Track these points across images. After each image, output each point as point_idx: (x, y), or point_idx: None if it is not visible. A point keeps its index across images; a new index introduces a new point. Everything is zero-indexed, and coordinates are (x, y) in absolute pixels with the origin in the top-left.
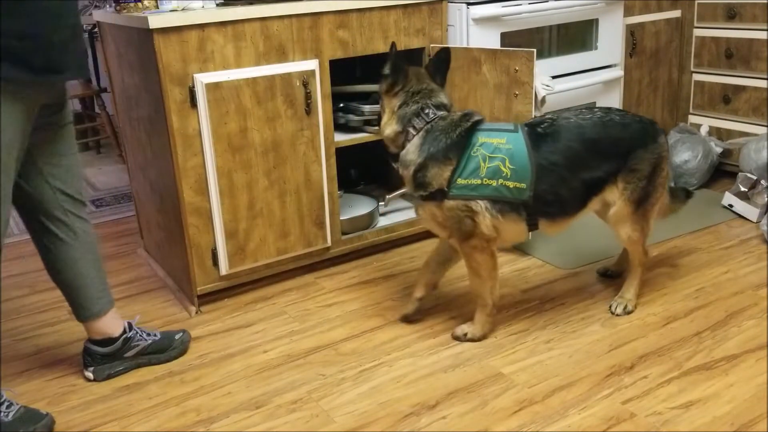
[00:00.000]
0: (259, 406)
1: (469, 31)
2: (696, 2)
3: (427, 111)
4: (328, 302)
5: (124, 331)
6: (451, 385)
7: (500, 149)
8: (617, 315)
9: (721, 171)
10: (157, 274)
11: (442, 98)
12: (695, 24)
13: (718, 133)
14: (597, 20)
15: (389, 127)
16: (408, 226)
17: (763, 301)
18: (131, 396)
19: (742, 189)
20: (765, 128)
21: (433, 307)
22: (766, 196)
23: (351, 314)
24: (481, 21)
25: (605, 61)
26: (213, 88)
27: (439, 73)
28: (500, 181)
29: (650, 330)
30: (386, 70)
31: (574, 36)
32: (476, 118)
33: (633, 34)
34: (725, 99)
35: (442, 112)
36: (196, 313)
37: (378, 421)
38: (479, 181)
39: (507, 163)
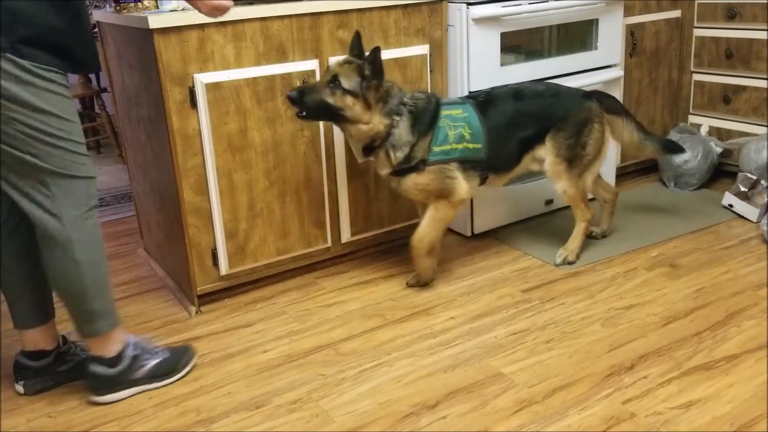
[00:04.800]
0: (259, 406)
1: (469, 31)
2: (696, 2)
3: (405, 100)
4: (328, 302)
5: (58, 346)
6: (451, 385)
7: (459, 118)
8: (557, 265)
9: (721, 171)
10: (157, 274)
11: (398, 86)
12: (695, 24)
13: (718, 133)
14: (597, 20)
15: (380, 122)
16: (408, 226)
17: (763, 301)
18: (131, 396)
19: (742, 189)
20: (765, 128)
21: (433, 308)
22: (766, 196)
23: (351, 314)
24: (481, 21)
25: (605, 61)
26: (213, 88)
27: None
28: (463, 144)
29: (650, 330)
30: (369, 73)
31: (574, 36)
32: (436, 96)
33: (633, 34)
34: (725, 99)
35: (412, 97)
36: (196, 313)
37: (378, 421)
38: (449, 146)
39: (467, 128)
